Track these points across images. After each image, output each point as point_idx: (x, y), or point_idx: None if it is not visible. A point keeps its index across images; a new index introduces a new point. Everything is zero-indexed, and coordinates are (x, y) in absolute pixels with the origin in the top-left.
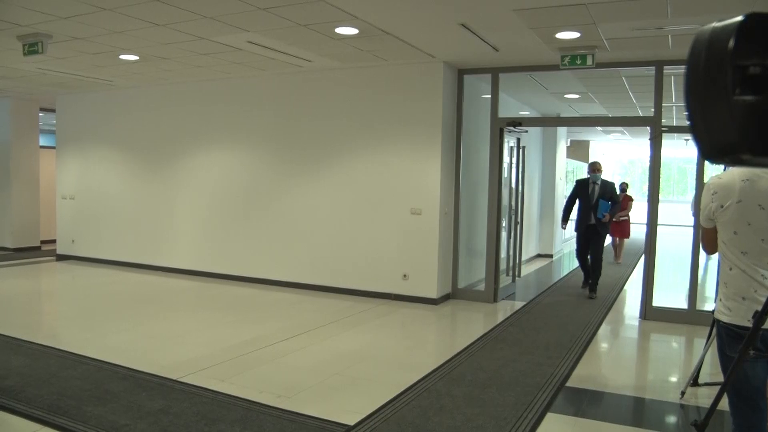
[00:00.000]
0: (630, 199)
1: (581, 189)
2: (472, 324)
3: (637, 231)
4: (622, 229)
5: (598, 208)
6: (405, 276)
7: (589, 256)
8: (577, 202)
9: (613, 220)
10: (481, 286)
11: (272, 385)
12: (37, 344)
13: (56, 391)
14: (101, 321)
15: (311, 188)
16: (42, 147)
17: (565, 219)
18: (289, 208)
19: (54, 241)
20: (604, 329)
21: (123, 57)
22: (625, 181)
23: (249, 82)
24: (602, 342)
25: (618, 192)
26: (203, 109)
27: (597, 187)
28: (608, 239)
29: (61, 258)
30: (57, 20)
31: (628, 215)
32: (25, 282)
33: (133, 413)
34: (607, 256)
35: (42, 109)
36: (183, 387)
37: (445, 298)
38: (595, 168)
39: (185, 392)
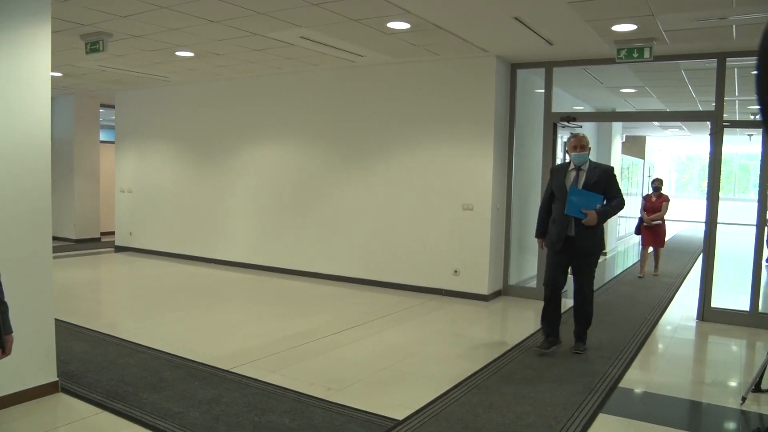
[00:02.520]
0: (665, 199)
1: (555, 180)
2: (522, 321)
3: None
4: (656, 236)
5: (567, 200)
6: (456, 272)
7: (574, 292)
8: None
9: (644, 224)
10: (533, 283)
11: (322, 377)
12: (97, 332)
13: (115, 378)
14: (156, 311)
15: (362, 183)
16: (102, 142)
17: (541, 232)
18: (340, 202)
19: (113, 233)
20: (659, 330)
21: (179, 53)
22: (659, 177)
23: (301, 77)
24: (657, 343)
25: (652, 190)
26: (256, 104)
27: (581, 175)
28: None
29: (120, 249)
30: (117, 19)
31: (663, 219)
32: (85, 272)
33: (186, 401)
34: (634, 270)
35: (102, 105)
36: (234, 377)
37: (495, 294)
38: (577, 145)
39: (236, 382)
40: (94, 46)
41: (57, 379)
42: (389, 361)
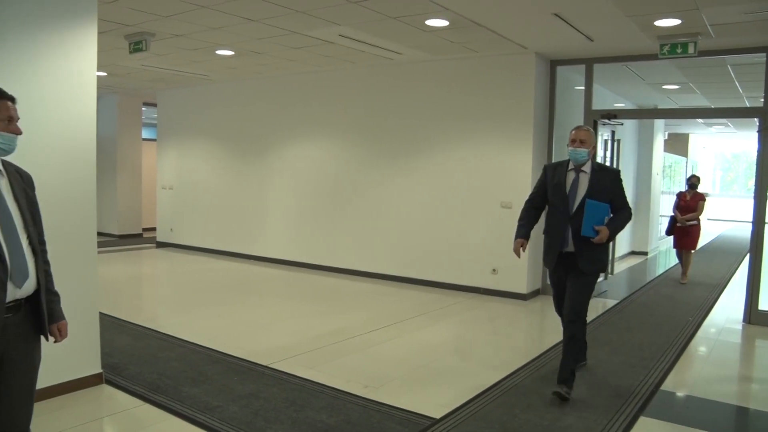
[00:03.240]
0: (701, 197)
1: (551, 181)
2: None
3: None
4: (690, 238)
5: (584, 217)
6: (494, 270)
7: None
8: (547, 208)
9: (678, 224)
10: None
11: (359, 374)
12: (139, 325)
13: (156, 371)
14: (197, 306)
15: (399, 181)
16: (144, 139)
17: (523, 233)
18: (377, 200)
19: (154, 229)
20: (703, 332)
21: (219, 52)
22: (696, 174)
23: (339, 75)
24: (701, 345)
25: (687, 187)
26: (295, 101)
27: (583, 179)
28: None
29: (161, 245)
30: (159, 19)
31: (698, 219)
32: (128, 267)
33: (226, 395)
34: (676, 271)
35: (145, 104)
36: (273, 373)
37: (534, 293)
38: (575, 138)
39: (275, 378)
40: (137, 45)
41: (101, 370)
42: (426, 359)
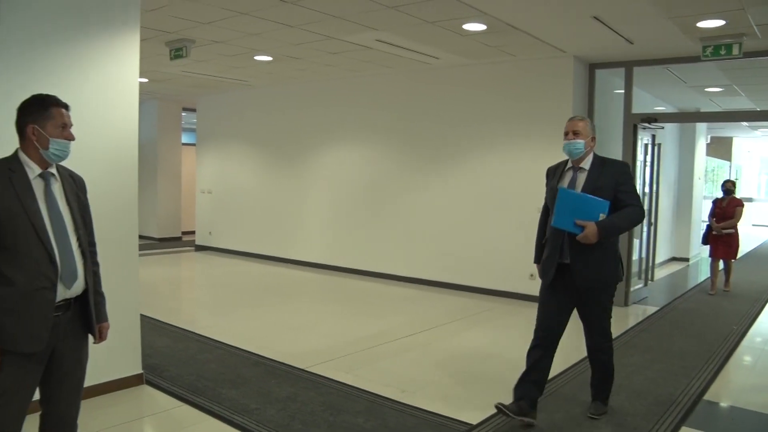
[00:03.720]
0: (738, 203)
1: (551, 183)
2: None
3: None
4: (727, 247)
5: (555, 207)
6: (532, 275)
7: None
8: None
9: (714, 233)
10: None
11: (396, 379)
12: (178, 327)
13: (195, 372)
14: (234, 308)
15: (436, 185)
16: (184, 144)
17: (539, 255)
18: (414, 204)
19: (193, 233)
20: (748, 341)
21: (257, 58)
22: (731, 179)
23: (376, 80)
24: (745, 355)
25: (722, 193)
26: (332, 106)
27: (581, 176)
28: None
29: (200, 248)
30: (199, 26)
31: (735, 227)
32: (167, 270)
33: (263, 398)
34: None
35: (184, 109)
36: (310, 376)
37: None
38: (568, 130)
39: (312, 381)
40: (177, 52)
41: (142, 371)
42: (463, 364)
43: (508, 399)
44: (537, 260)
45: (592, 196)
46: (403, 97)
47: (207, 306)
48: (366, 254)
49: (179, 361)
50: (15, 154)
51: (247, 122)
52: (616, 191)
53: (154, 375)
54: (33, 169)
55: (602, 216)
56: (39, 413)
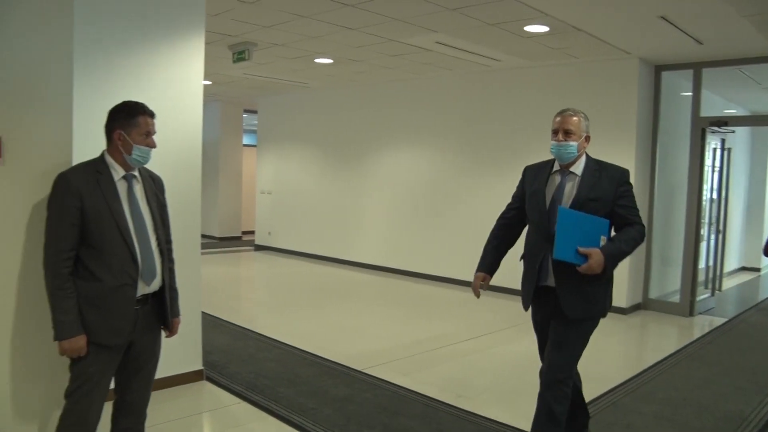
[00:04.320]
0: None
1: (530, 187)
2: (664, 338)
3: None
4: None
5: (556, 232)
6: None
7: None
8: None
9: None
10: (676, 298)
11: (452, 383)
12: (237, 325)
13: (253, 370)
14: (292, 308)
15: (496, 189)
16: (244, 145)
17: (487, 265)
18: (473, 207)
19: (253, 232)
20: None
21: (318, 60)
22: None
23: (435, 82)
24: None
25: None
26: (391, 109)
27: (572, 182)
28: None
29: (259, 248)
30: (261, 29)
31: None
32: (227, 269)
33: (320, 398)
34: None
35: (245, 111)
36: (366, 378)
37: (635, 308)
38: (558, 128)
39: (368, 383)
40: (240, 55)
41: (202, 367)
42: (521, 371)
43: None
44: (481, 267)
45: (593, 216)
46: (463, 100)
47: (266, 305)
48: (424, 257)
49: (238, 359)
50: (102, 157)
51: (307, 124)
52: (614, 205)
53: (214, 371)
54: (117, 171)
55: (603, 239)
56: (113, 401)
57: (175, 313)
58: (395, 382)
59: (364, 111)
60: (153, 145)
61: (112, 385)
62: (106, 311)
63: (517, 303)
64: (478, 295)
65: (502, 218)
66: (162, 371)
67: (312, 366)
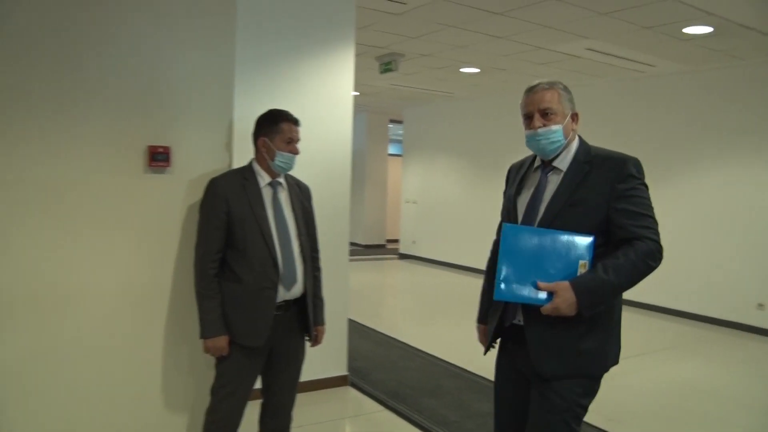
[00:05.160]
0: None
1: (508, 189)
2: None
3: None
4: None
5: (498, 259)
6: (760, 305)
7: None
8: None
9: None
10: None
11: (602, 405)
12: (381, 333)
13: (396, 379)
14: (436, 318)
15: (655, 205)
16: (390, 155)
17: (484, 313)
18: None
19: (397, 241)
20: None
21: (464, 70)
22: None
23: (585, 90)
24: None
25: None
26: None
27: (553, 182)
28: None
29: (403, 257)
30: (408, 40)
31: None
32: (372, 276)
33: (462, 411)
34: None
35: (391, 121)
36: None
37: None
38: (534, 110)
39: None
40: (387, 66)
41: (347, 373)
42: (677, 398)
43: None
44: (480, 318)
45: (566, 232)
46: (614, 108)
47: (409, 313)
48: None
49: (381, 367)
50: (249, 164)
51: (452, 134)
52: (610, 209)
53: (358, 378)
54: (263, 178)
55: (583, 265)
56: (260, 401)
57: (319, 321)
58: None
59: (510, 120)
60: (296, 152)
61: (258, 386)
62: (247, 313)
63: (674, 324)
64: (486, 350)
65: (494, 245)
66: (309, 375)
67: (455, 378)
